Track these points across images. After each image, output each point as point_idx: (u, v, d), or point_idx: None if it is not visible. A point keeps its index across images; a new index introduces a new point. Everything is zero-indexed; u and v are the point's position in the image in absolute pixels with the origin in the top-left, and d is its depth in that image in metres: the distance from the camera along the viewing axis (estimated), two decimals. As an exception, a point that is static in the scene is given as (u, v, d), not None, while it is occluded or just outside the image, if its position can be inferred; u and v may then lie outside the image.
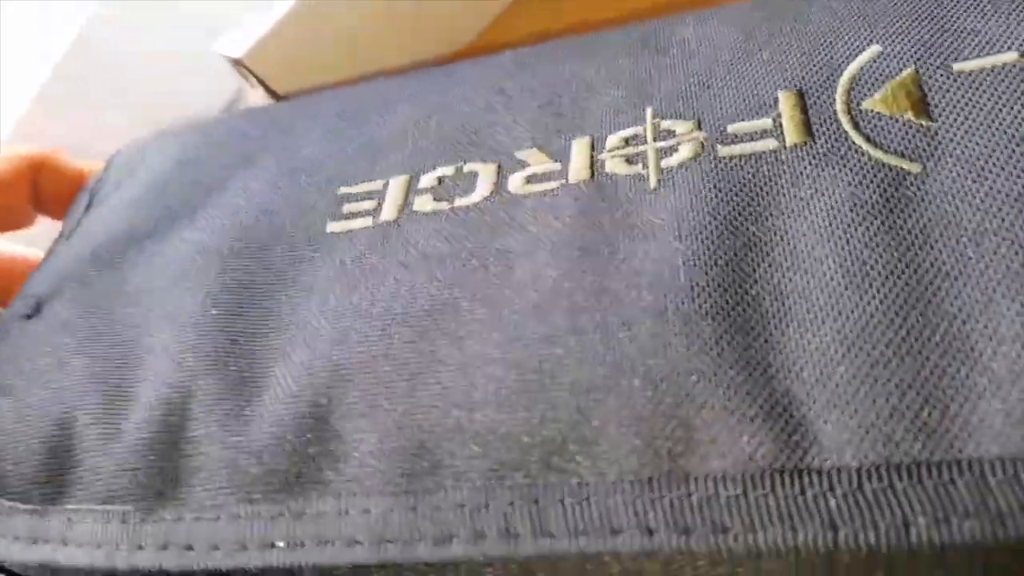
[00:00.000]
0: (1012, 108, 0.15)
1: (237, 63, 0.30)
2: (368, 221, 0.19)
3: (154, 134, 0.27)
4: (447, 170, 0.20)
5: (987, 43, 0.16)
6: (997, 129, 0.15)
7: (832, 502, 0.13)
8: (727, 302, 0.15)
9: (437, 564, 0.15)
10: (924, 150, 0.15)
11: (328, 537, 0.15)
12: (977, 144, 0.15)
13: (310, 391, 0.16)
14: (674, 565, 0.14)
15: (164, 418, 0.17)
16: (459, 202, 0.19)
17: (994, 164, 0.14)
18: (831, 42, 0.18)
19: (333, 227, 0.20)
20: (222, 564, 0.15)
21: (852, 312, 0.14)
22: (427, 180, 0.20)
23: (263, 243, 0.20)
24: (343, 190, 0.20)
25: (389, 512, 0.15)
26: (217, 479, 0.16)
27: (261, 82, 0.30)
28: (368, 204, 0.20)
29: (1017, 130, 0.15)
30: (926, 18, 0.17)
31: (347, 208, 0.20)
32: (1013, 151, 0.14)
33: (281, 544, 0.15)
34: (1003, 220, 0.14)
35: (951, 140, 0.15)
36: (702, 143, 0.17)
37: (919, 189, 0.15)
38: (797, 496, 0.13)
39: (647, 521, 0.13)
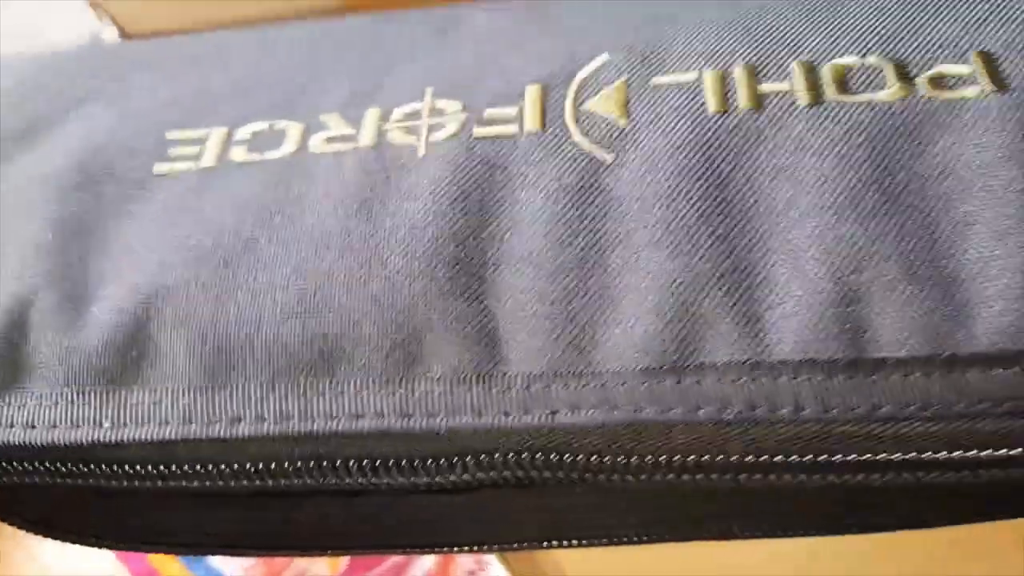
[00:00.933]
0: (678, 117, 0.20)
1: (93, 3, 0.32)
2: (191, 165, 0.23)
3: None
4: (262, 126, 0.23)
5: (680, 61, 0.21)
6: (666, 131, 0.20)
7: (511, 395, 0.18)
8: (459, 251, 0.19)
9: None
10: (618, 144, 0.20)
11: (145, 419, 0.19)
12: (653, 142, 0.20)
13: (133, 307, 0.20)
14: None
15: (7, 321, 0.21)
16: (268, 155, 0.22)
17: (660, 158, 0.20)
18: (576, 44, 0.22)
19: (159, 168, 0.23)
20: (59, 439, 0.19)
21: (547, 264, 0.19)
22: (243, 133, 0.23)
23: (97, 179, 0.23)
24: (170, 135, 0.24)
25: (194, 401, 0.19)
26: (55, 375, 0.20)
27: (115, 22, 0.32)
28: (192, 150, 0.23)
29: (679, 135, 0.20)
30: (644, 32, 0.22)
31: (172, 152, 0.23)
32: (675, 150, 0.20)
33: (107, 424, 0.19)
34: (658, 201, 0.19)
35: (636, 137, 0.20)
36: (463, 122, 0.22)
37: (610, 174, 0.20)
38: (486, 392, 0.18)
39: (382, 409, 0.18)
